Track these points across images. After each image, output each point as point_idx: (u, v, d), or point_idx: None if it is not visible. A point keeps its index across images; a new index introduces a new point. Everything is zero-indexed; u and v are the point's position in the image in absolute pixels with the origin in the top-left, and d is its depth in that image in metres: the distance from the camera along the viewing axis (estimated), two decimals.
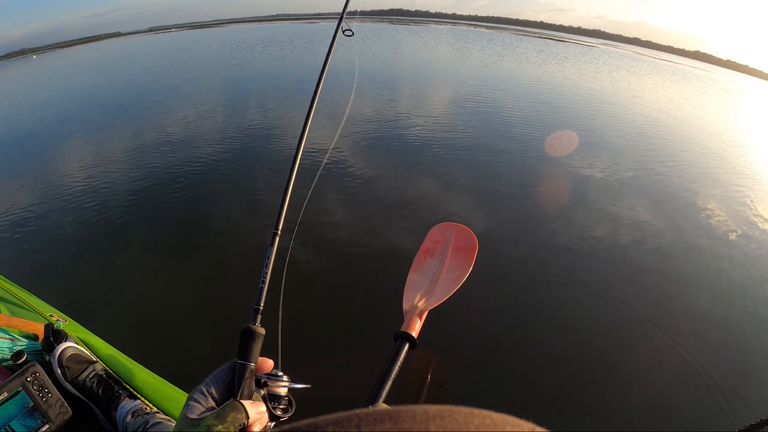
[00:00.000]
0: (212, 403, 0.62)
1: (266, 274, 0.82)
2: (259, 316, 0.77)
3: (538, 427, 0.21)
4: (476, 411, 0.20)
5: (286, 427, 0.21)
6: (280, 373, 0.75)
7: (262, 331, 0.73)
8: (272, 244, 0.87)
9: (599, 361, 2.57)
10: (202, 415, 0.59)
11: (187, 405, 0.61)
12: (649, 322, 2.91)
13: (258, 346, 0.71)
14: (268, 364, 0.72)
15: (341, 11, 1.51)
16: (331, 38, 1.41)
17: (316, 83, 1.24)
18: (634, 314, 2.97)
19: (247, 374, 0.67)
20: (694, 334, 2.84)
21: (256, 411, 0.63)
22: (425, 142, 6.43)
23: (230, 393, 0.65)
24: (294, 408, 0.75)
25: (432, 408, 0.20)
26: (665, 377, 2.48)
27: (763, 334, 2.88)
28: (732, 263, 3.70)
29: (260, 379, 0.72)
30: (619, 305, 3.05)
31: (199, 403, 0.61)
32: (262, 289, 0.80)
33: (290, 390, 0.75)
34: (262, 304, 0.79)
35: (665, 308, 3.05)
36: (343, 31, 1.48)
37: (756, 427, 1.99)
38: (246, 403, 0.62)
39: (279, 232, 0.90)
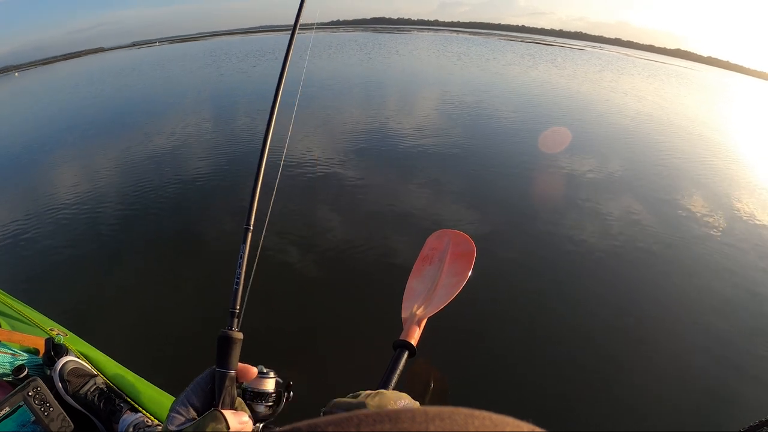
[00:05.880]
0: (194, 414, 0.60)
1: (240, 274, 0.73)
2: (236, 320, 0.70)
3: (537, 428, 0.21)
4: (476, 412, 0.20)
5: (286, 427, 0.21)
6: (265, 370, 0.71)
7: (240, 335, 0.68)
8: (244, 242, 0.77)
9: (600, 363, 2.60)
10: (181, 427, 0.57)
11: (168, 417, 0.59)
12: (651, 322, 2.96)
13: (236, 352, 0.67)
14: (252, 371, 0.68)
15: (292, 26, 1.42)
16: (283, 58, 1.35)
17: (273, 94, 1.14)
18: (634, 316, 3.02)
19: (227, 382, 0.64)
20: (692, 335, 2.90)
21: (238, 421, 0.61)
22: (421, 150, 6.50)
23: (212, 401, 0.63)
24: (282, 404, 0.72)
25: (432, 409, 0.20)
26: (665, 380, 2.52)
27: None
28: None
29: (243, 387, 0.69)
30: (617, 308, 3.09)
31: (181, 414, 0.59)
32: (236, 291, 0.72)
33: (278, 384, 0.71)
34: (238, 307, 0.72)
35: (666, 311, 3.11)
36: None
37: (756, 428, 2.02)
38: (227, 413, 0.60)
39: (251, 228, 0.80)
